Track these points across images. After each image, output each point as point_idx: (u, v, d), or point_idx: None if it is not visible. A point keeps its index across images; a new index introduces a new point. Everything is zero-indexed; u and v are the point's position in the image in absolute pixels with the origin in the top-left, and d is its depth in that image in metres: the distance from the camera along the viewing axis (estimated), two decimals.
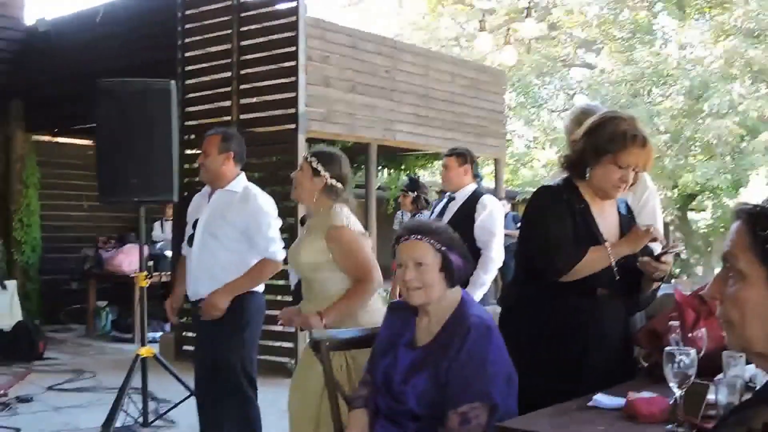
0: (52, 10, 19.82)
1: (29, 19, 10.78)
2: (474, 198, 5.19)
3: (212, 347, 4.06)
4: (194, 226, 4.20)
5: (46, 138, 10.93)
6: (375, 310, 3.53)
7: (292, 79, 7.45)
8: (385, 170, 12.91)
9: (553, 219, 2.92)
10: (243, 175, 4.25)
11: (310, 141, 8.41)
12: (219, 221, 4.10)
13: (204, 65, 8.13)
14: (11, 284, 8.24)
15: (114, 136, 5.37)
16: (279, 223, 4.19)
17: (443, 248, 2.75)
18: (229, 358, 4.01)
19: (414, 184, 8.57)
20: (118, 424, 5.07)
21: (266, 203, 4.11)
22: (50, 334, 9.39)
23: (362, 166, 10.38)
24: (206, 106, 8.10)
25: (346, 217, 3.51)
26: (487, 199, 5.20)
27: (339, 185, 3.56)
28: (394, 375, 2.77)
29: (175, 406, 5.41)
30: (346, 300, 3.45)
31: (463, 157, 5.25)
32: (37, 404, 6.17)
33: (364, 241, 3.56)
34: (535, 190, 3.16)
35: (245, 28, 7.84)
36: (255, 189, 4.17)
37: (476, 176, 5.38)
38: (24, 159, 10.47)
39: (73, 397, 6.45)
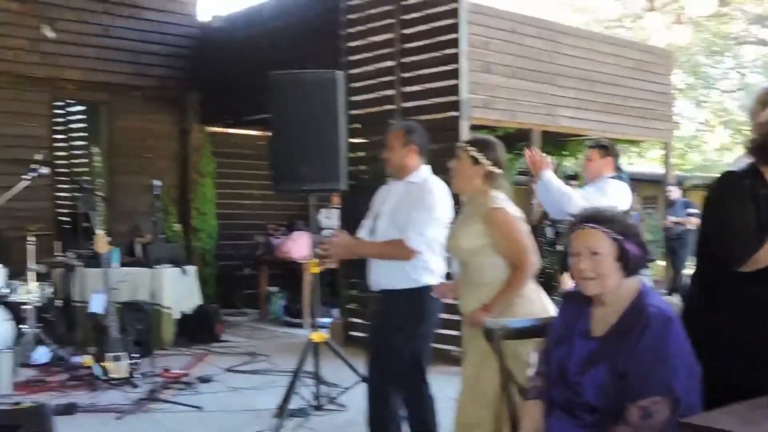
0: (224, 7, 20.69)
1: (203, 16, 11.36)
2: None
3: (386, 336, 4.12)
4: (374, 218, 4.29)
5: (220, 129, 11.48)
6: (534, 300, 3.52)
7: (454, 66, 7.44)
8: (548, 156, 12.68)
9: (734, 205, 2.78)
10: (426, 167, 4.26)
11: (472, 128, 8.38)
12: (401, 213, 4.14)
13: (367, 55, 8.26)
14: (191, 270, 8.69)
15: (285, 127, 5.54)
16: (448, 215, 4.16)
17: (619, 237, 2.68)
18: (402, 349, 4.05)
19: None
20: (291, 406, 5.26)
21: (441, 196, 4.11)
22: (226, 318, 9.87)
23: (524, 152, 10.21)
24: (369, 96, 8.22)
25: (503, 200, 3.56)
26: (611, 183, 5.12)
27: (498, 171, 3.62)
28: (569, 365, 2.72)
29: (346, 390, 5.55)
30: (508, 289, 3.49)
31: (605, 149, 5.22)
32: (216, 384, 6.48)
33: (521, 223, 3.57)
34: (718, 176, 3.02)
35: (407, 17, 7.89)
36: (434, 181, 4.16)
37: (618, 169, 5.29)
38: (200, 150, 11.04)
39: (249, 378, 6.74)
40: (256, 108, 9.24)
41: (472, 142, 3.71)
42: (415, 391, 4.11)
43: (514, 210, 3.60)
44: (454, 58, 7.43)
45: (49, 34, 9.71)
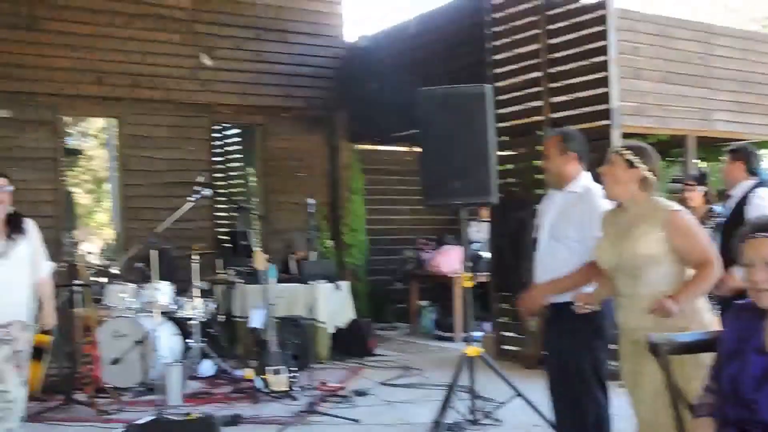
0: (369, 27, 21.13)
1: (349, 36, 11.64)
2: (748, 193, 5.04)
3: (564, 350, 4.05)
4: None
5: (368, 146, 11.70)
6: (696, 310, 3.40)
7: (603, 74, 7.28)
8: (704, 162, 12.18)
9: None
10: (586, 174, 4.17)
11: (623, 136, 8.14)
12: (561, 223, 4.09)
13: (513, 67, 8.21)
14: (344, 285, 8.89)
15: (435, 142, 5.58)
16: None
17: None
18: (580, 361, 3.98)
19: (703, 178, 7.97)
20: (447, 420, 5.27)
21: (604, 204, 4.01)
22: (378, 332, 10.03)
23: (678, 159, 9.89)
24: (517, 108, 8.17)
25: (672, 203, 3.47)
26: (758, 192, 4.99)
27: (653, 177, 3.51)
28: (744, 382, 2.60)
29: (502, 405, 5.51)
30: (696, 281, 3.38)
31: (736, 153, 5.14)
32: (372, 398, 6.58)
33: (699, 225, 3.49)
34: None
35: (553, 26, 7.80)
36: (595, 189, 4.04)
37: (752, 172, 5.12)
38: (349, 167, 11.30)
39: (404, 392, 6.81)
40: (404, 124, 9.36)
41: (629, 147, 3.61)
42: (593, 403, 4.02)
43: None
44: (603, 66, 7.28)
45: (207, 62, 10.22)
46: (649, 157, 3.55)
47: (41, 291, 5.06)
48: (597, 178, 3.87)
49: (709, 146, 10.90)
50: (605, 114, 7.28)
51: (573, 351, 3.99)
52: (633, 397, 3.55)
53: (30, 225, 5.02)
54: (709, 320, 3.42)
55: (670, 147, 11.33)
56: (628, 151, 3.54)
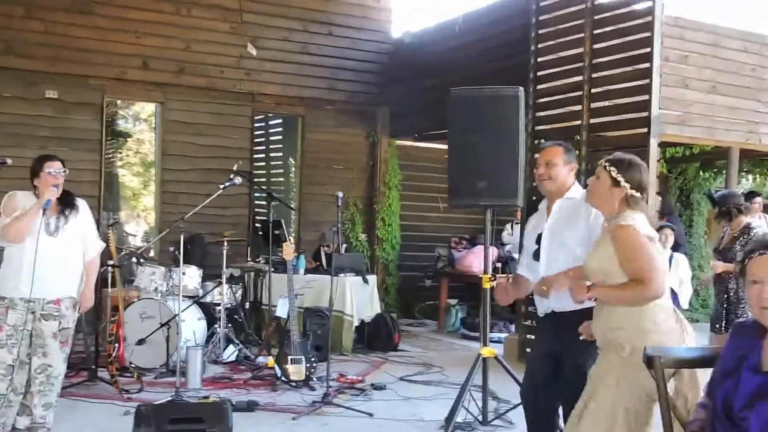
0: (417, 23, 21.08)
1: (396, 32, 11.64)
2: None
3: (568, 354, 4.01)
4: (537, 242, 4.23)
5: (408, 142, 11.71)
6: (668, 331, 3.30)
7: (646, 81, 7.19)
8: (749, 176, 11.97)
9: None
10: (577, 183, 4.30)
11: (663, 145, 8.03)
12: (564, 229, 4.10)
13: (555, 70, 8.14)
14: (372, 279, 8.92)
15: (464, 142, 5.57)
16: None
17: None
18: (584, 366, 3.95)
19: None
20: (458, 419, 5.27)
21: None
22: (404, 327, 10.06)
23: (722, 171, 9.71)
24: (556, 111, 8.10)
25: (636, 219, 3.35)
26: None
27: (638, 195, 3.43)
28: (735, 400, 2.57)
29: (515, 407, 5.48)
30: (619, 289, 3.31)
31: None
32: (389, 392, 6.62)
33: (649, 244, 3.34)
34: None
35: (599, 31, 7.71)
36: None
37: None
38: (387, 163, 11.33)
39: (421, 389, 6.83)
40: (443, 123, 9.33)
41: (614, 162, 3.50)
42: None
43: (645, 230, 3.36)
44: (646, 73, 7.19)
45: (252, 51, 10.31)
46: (638, 173, 3.46)
47: (87, 270, 5.19)
48: None
49: (755, 159, 10.70)
50: (645, 122, 7.19)
51: (580, 354, 3.94)
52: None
53: (82, 205, 5.17)
54: (674, 341, 3.27)
55: (714, 158, 11.15)
56: (614, 168, 3.46)
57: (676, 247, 7.89)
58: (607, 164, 3.51)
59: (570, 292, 3.47)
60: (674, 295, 6.93)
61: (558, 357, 4.10)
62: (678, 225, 9.16)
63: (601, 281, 3.41)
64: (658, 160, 8.16)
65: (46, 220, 4.90)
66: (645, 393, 3.19)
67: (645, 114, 7.22)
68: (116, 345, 6.61)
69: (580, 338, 3.70)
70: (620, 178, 3.43)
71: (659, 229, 7.19)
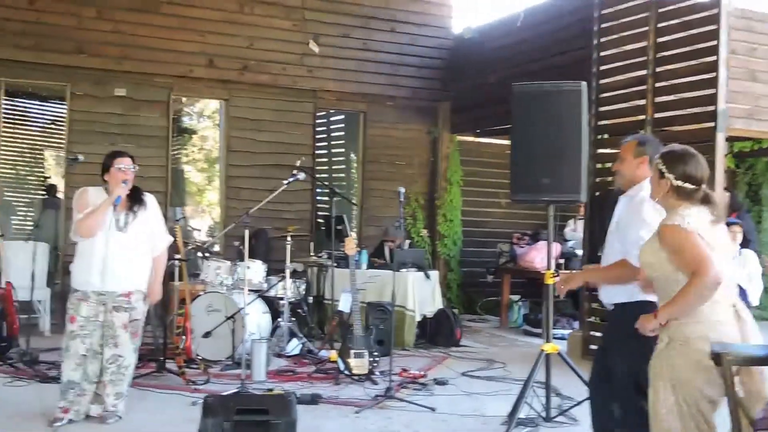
0: (478, 18, 21.00)
1: (457, 27, 11.63)
2: None
3: (610, 352, 4.04)
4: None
5: (470, 138, 11.70)
6: (723, 323, 3.24)
7: (712, 74, 7.06)
8: None
9: None
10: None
11: (731, 140, 7.87)
12: (623, 226, 4.10)
13: (619, 64, 8.04)
14: (434, 274, 8.95)
15: (527, 137, 5.56)
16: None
17: None
18: (621, 365, 3.94)
19: None
20: (521, 415, 5.26)
21: (650, 211, 3.94)
22: (466, 323, 10.06)
23: None
24: (620, 106, 8.00)
25: (685, 216, 3.30)
26: None
27: (687, 185, 3.37)
28: None
29: (579, 404, 5.45)
30: (681, 296, 3.23)
31: None
32: (451, 388, 6.63)
33: (695, 238, 3.26)
34: None
35: (663, 24, 7.59)
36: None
37: None
38: (449, 158, 11.34)
39: (484, 384, 6.83)
40: (505, 118, 9.29)
41: (662, 154, 3.49)
42: (632, 408, 3.96)
43: (695, 225, 3.28)
44: (712, 66, 7.06)
45: (315, 48, 10.42)
46: (684, 164, 3.41)
47: (156, 264, 5.35)
48: None
49: None
50: (711, 116, 7.07)
51: (618, 352, 3.94)
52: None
53: (150, 200, 5.32)
54: (730, 333, 3.22)
55: None
56: (660, 160, 3.46)
57: (745, 243, 7.72)
58: (656, 157, 3.54)
59: (639, 327, 3.40)
60: (743, 291, 6.78)
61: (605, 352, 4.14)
62: (747, 221, 8.98)
63: (650, 274, 3.44)
64: (726, 155, 8.01)
65: (116, 216, 5.06)
66: (695, 387, 3.15)
67: (711, 108, 7.09)
68: (183, 337, 6.77)
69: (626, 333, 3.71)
70: (664, 170, 3.41)
71: (727, 226, 7.05)
